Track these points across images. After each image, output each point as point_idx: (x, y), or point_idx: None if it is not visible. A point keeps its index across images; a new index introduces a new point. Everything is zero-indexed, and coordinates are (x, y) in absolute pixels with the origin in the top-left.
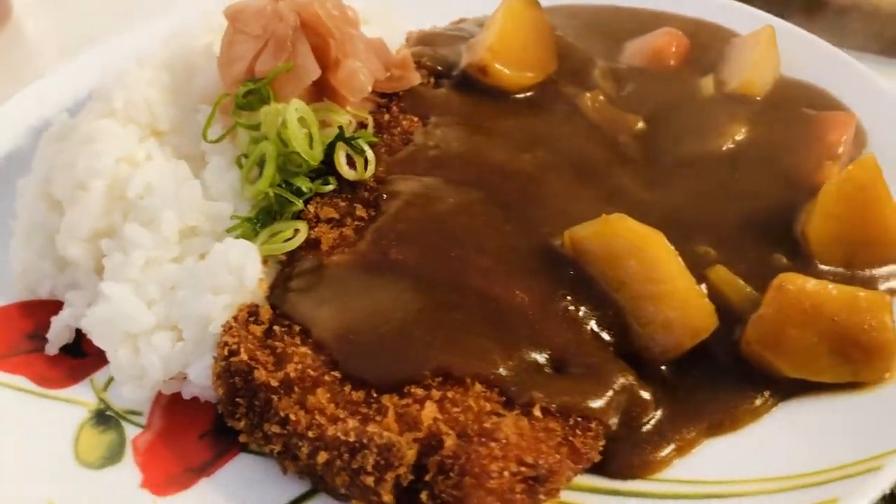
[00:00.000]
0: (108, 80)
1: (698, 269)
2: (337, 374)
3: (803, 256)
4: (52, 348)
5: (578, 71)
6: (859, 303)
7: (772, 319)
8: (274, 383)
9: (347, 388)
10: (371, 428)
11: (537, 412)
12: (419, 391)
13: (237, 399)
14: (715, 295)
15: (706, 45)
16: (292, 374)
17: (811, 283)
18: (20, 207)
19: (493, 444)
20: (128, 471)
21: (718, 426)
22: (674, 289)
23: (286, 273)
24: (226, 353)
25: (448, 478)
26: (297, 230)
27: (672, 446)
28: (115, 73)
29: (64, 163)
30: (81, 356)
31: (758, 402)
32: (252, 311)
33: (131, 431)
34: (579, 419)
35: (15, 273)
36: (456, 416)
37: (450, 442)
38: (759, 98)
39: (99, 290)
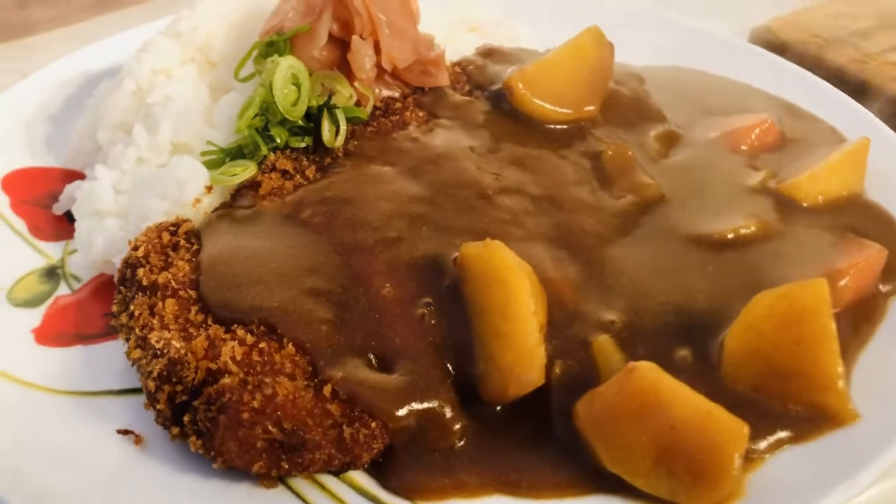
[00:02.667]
0: None
1: (591, 331)
2: (193, 293)
3: (709, 363)
4: (58, 208)
5: (631, 123)
6: (710, 422)
7: (607, 401)
8: (145, 283)
9: (194, 309)
10: (177, 343)
11: (327, 391)
12: (241, 331)
13: (121, 287)
14: (589, 363)
15: (799, 142)
16: (161, 281)
17: (667, 380)
18: (97, 91)
19: (258, 396)
20: (33, 316)
21: (515, 486)
22: (515, 330)
23: (225, 203)
24: (131, 247)
25: (209, 410)
26: (247, 170)
27: (453, 483)
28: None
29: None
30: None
31: (569, 481)
32: (177, 224)
33: (62, 290)
34: (363, 414)
35: (70, 143)
36: (253, 364)
37: (227, 380)
38: (804, 205)
39: (95, 168)
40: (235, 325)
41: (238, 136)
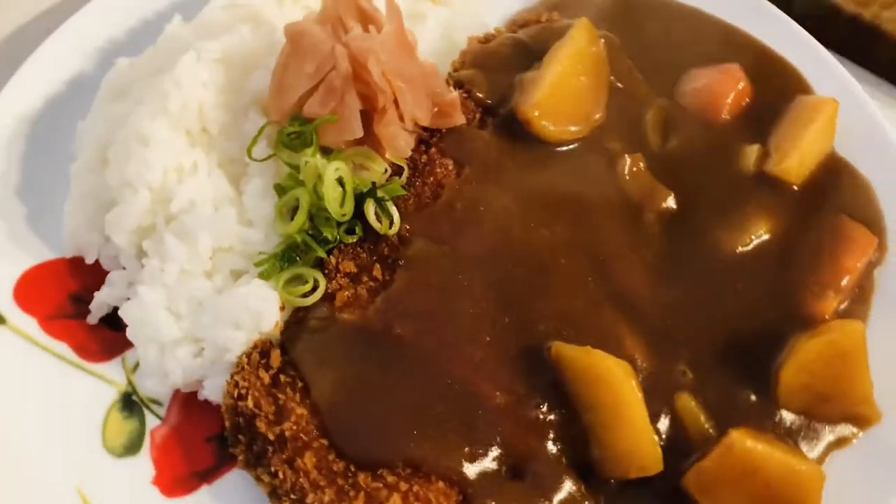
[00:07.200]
0: (166, 73)
1: (671, 391)
2: (325, 441)
3: (769, 398)
4: (93, 319)
5: (629, 120)
6: (796, 476)
7: (713, 473)
8: (271, 436)
9: (331, 457)
10: None
11: None
12: (390, 477)
13: (239, 435)
14: (675, 421)
15: (768, 93)
16: (287, 433)
17: (759, 447)
18: (75, 169)
19: None
20: (143, 463)
21: None
22: (632, 430)
23: (299, 317)
24: (236, 394)
25: None
26: (316, 283)
27: None
28: (172, 66)
29: (117, 153)
30: (117, 329)
31: None
32: (264, 352)
33: (151, 421)
34: None
35: (65, 233)
36: None
37: None
38: (795, 188)
39: (136, 289)
40: (380, 470)
41: (281, 237)
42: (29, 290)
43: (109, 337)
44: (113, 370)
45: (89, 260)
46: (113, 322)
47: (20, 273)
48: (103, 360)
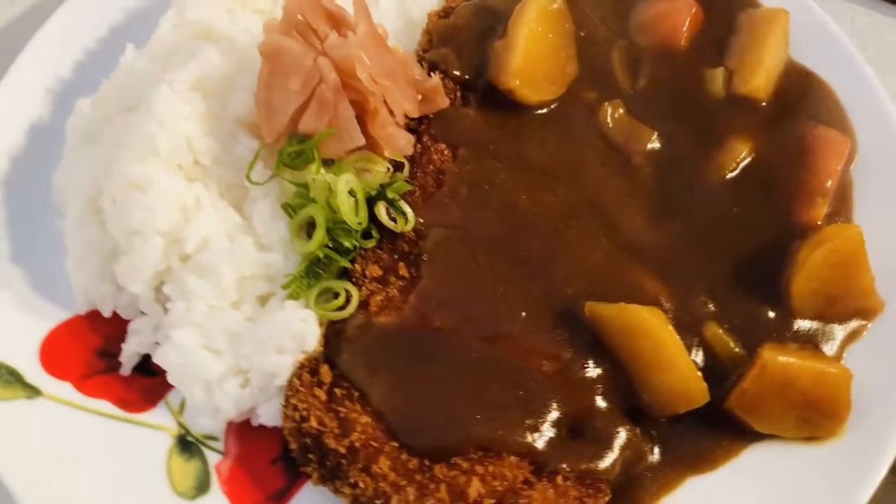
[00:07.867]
0: (142, 112)
1: (698, 323)
2: (395, 443)
3: (784, 310)
4: (125, 370)
5: (598, 67)
6: (827, 379)
7: (753, 392)
8: (342, 450)
9: (404, 456)
10: (429, 501)
11: (560, 480)
12: (464, 463)
13: (309, 455)
14: (707, 350)
15: (719, 12)
16: (357, 443)
17: (790, 360)
18: (68, 225)
19: None
20: (217, 500)
21: (698, 468)
22: (676, 371)
23: (338, 328)
24: (297, 417)
25: None
26: (348, 294)
27: (658, 486)
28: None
29: (114, 203)
30: (152, 375)
31: (732, 446)
32: (313, 370)
33: (211, 458)
34: (592, 481)
35: (76, 291)
36: (496, 488)
37: None
38: (765, 103)
39: (168, 334)
40: (453, 458)
41: (301, 256)
42: (54, 356)
43: (147, 384)
44: (160, 416)
45: (106, 313)
46: (144, 368)
47: (41, 340)
48: (147, 408)
